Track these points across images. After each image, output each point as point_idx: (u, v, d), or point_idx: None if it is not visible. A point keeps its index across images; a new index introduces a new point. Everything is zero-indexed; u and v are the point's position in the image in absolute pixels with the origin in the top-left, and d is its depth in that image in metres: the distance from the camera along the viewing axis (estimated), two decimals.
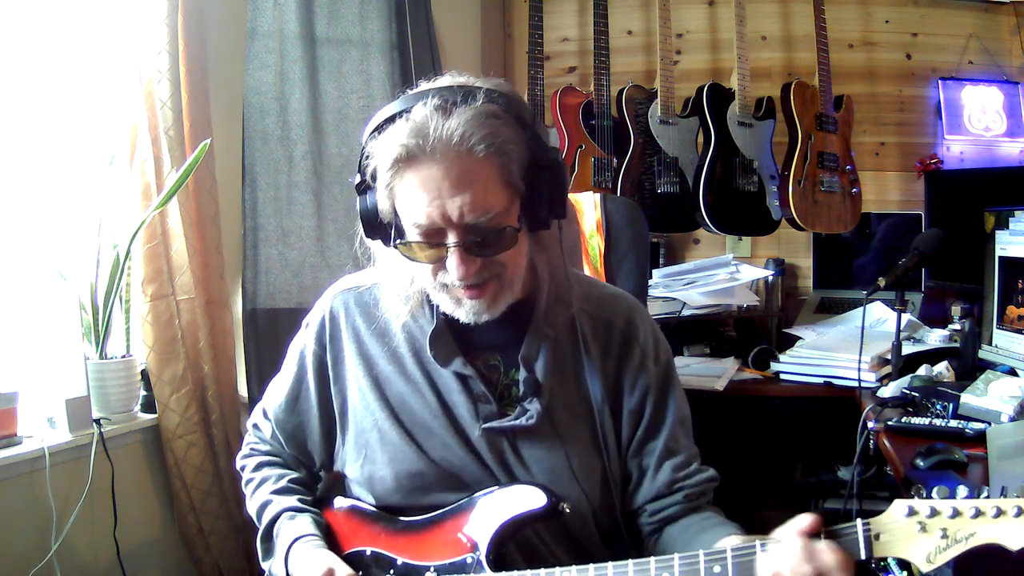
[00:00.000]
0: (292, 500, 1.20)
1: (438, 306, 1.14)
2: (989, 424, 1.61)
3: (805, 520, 0.91)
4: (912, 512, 0.87)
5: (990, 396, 1.68)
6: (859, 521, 0.88)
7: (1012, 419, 1.60)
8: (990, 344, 1.99)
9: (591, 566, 0.99)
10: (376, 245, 1.16)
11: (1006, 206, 1.95)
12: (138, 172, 1.90)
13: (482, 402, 1.13)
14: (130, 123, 1.90)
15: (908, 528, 0.87)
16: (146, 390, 1.97)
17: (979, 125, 2.92)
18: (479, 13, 3.10)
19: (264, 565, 1.19)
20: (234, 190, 2.19)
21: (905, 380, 1.96)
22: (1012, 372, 1.87)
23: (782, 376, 2.45)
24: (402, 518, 1.14)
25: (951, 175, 2.87)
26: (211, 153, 1.96)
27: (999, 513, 0.83)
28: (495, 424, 1.12)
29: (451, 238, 1.02)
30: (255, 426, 1.32)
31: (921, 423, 1.67)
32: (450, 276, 1.05)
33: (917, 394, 1.82)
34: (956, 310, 2.60)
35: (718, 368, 2.52)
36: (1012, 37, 2.91)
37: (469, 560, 1.06)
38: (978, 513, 0.84)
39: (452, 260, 1.03)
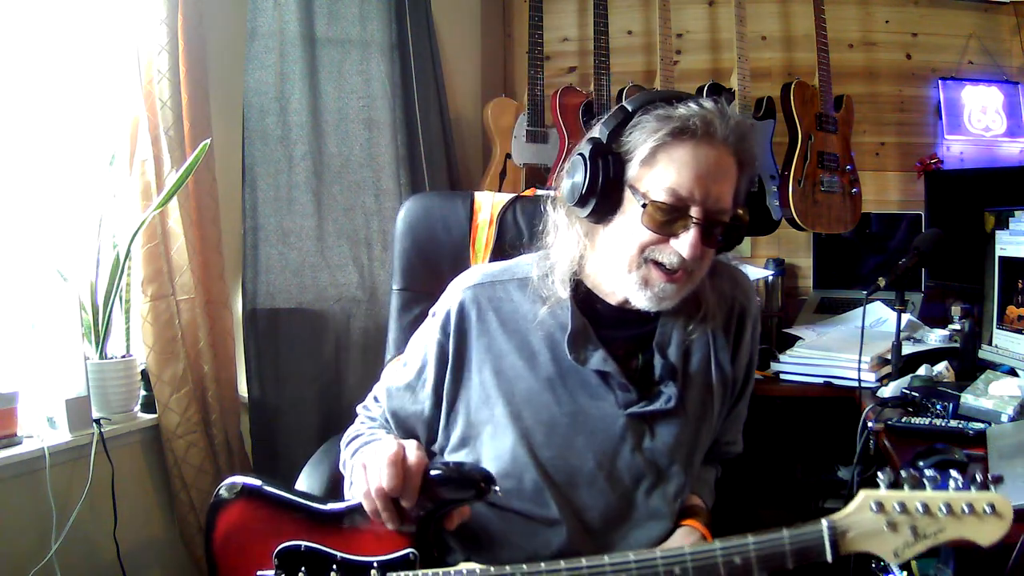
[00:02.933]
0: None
1: (577, 304, 1.19)
2: (989, 424, 1.61)
3: None
4: (880, 508, 0.84)
5: (990, 396, 1.69)
6: (824, 522, 0.86)
7: (1012, 419, 1.60)
8: (990, 344, 1.99)
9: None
10: (558, 224, 1.22)
11: (1006, 206, 1.95)
12: (138, 172, 1.90)
13: (622, 391, 1.17)
14: (130, 123, 1.90)
15: (876, 524, 0.84)
16: (146, 390, 1.97)
17: (979, 125, 2.92)
18: (479, 13, 3.10)
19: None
20: (234, 190, 2.19)
21: (905, 380, 1.96)
22: (1012, 372, 1.87)
23: (782, 376, 2.45)
24: (323, 506, 1.12)
25: (951, 175, 2.87)
26: (211, 153, 1.96)
27: (971, 510, 0.81)
28: (636, 410, 1.17)
29: (696, 215, 1.10)
30: (365, 407, 1.37)
31: (921, 423, 1.67)
32: (668, 253, 1.11)
33: (917, 394, 1.82)
34: (956, 310, 2.60)
35: None
36: (1012, 37, 2.91)
37: (412, 556, 1.06)
38: (950, 510, 0.81)
39: (690, 236, 1.10)
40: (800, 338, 2.54)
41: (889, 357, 2.10)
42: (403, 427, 1.28)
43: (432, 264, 1.70)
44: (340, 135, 2.37)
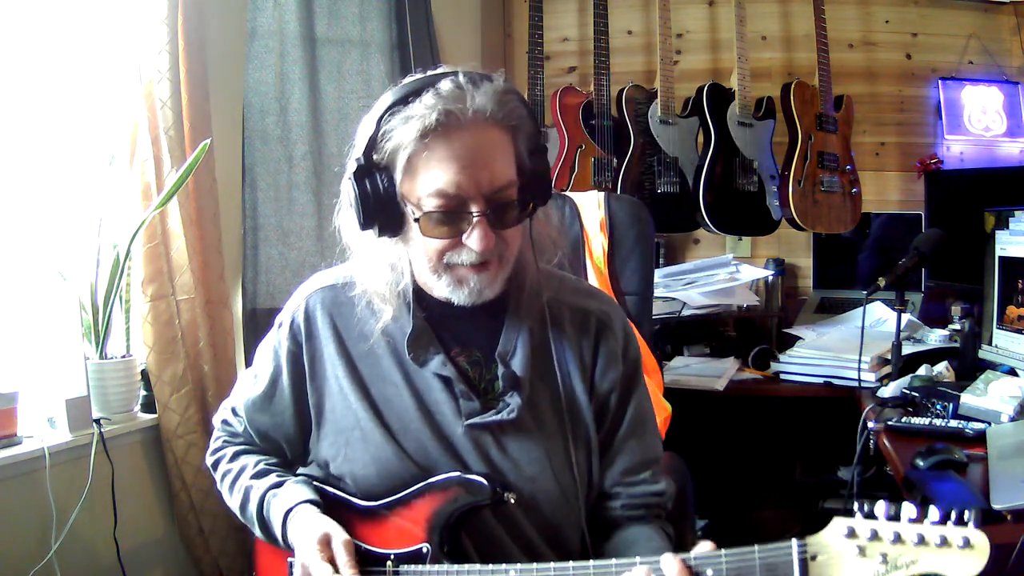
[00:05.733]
0: (272, 479, 1.20)
1: (416, 305, 1.14)
2: (989, 424, 1.61)
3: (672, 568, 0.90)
4: (852, 533, 0.83)
5: (990, 396, 1.69)
6: (794, 541, 0.85)
7: (1012, 419, 1.60)
8: (990, 344, 1.99)
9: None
10: (357, 241, 1.16)
11: (1006, 206, 1.95)
12: (138, 172, 1.90)
13: (464, 399, 1.13)
14: (130, 123, 1.90)
15: (847, 550, 0.83)
16: (146, 390, 1.97)
17: (979, 125, 2.92)
18: (479, 13, 3.10)
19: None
20: (234, 190, 2.18)
21: (905, 380, 1.96)
22: (1012, 372, 1.87)
23: (782, 376, 2.45)
24: (360, 503, 1.15)
25: (951, 175, 2.87)
26: (211, 153, 1.96)
27: (944, 543, 0.80)
28: (477, 420, 1.12)
29: (475, 208, 1.04)
30: (225, 422, 1.31)
31: (921, 423, 1.67)
32: (465, 252, 1.06)
33: (917, 394, 1.82)
34: (956, 310, 2.60)
35: (718, 368, 2.52)
36: (1012, 37, 2.91)
37: (425, 550, 1.08)
38: (922, 540, 0.80)
39: (477, 232, 1.04)
40: (800, 338, 2.55)
41: (889, 357, 2.11)
42: (268, 441, 1.26)
43: None
44: (340, 135, 2.37)
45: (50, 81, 1.85)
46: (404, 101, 1.03)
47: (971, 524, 0.80)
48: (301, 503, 1.13)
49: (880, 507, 0.83)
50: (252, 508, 1.20)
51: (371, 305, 1.16)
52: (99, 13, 1.89)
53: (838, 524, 0.84)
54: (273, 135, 2.24)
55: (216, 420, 1.34)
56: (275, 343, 1.23)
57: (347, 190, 1.09)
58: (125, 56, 1.88)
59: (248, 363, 2.18)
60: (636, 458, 1.19)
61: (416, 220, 1.05)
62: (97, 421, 1.80)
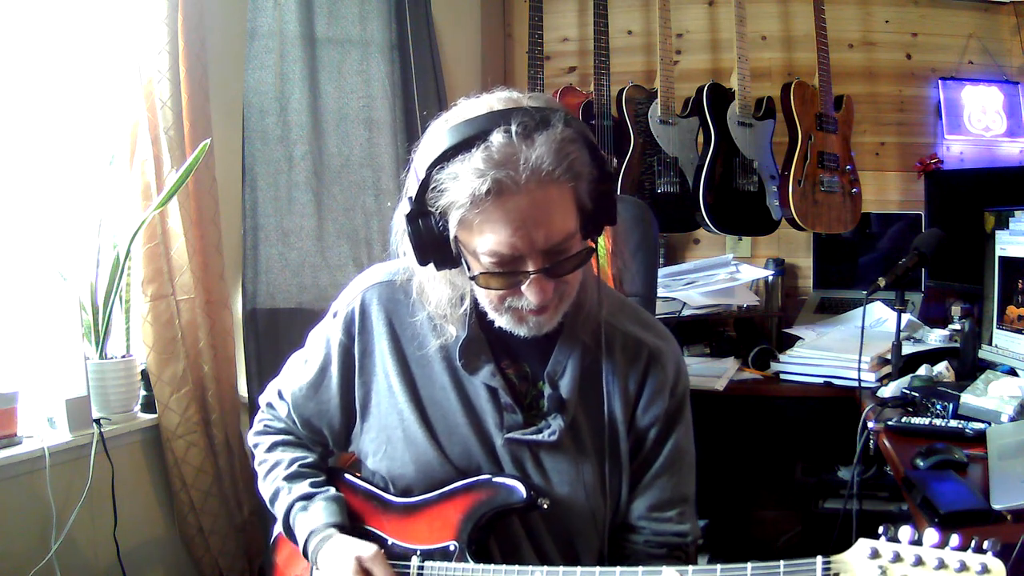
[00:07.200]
0: (304, 487, 1.21)
1: (473, 315, 1.13)
2: (989, 424, 1.61)
3: None
4: (875, 554, 0.87)
5: (990, 396, 1.69)
6: (819, 558, 0.88)
7: (1012, 419, 1.60)
8: (990, 344, 1.99)
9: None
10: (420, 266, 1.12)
11: (1006, 206, 1.95)
12: (138, 172, 1.90)
13: (508, 412, 1.14)
14: (130, 123, 1.90)
15: (869, 570, 0.87)
16: (146, 390, 1.97)
17: (979, 125, 2.92)
18: (479, 13, 3.10)
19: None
20: (234, 190, 2.19)
21: (905, 380, 1.96)
22: (1012, 372, 1.87)
23: (782, 376, 2.45)
24: (393, 498, 1.17)
25: (951, 175, 2.87)
26: (211, 153, 1.96)
27: (963, 568, 0.83)
28: (517, 435, 1.13)
29: (531, 266, 1.01)
30: (269, 404, 1.32)
31: (921, 423, 1.67)
32: (524, 299, 1.04)
33: (917, 394, 1.82)
34: (956, 310, 2.60)
35: (718, 368, 2.52)
36: (1012, 37, 2.91)
37: (452, 548, 1.10)
38: (942, 564, 0.84)
39: (532, 288, 1.02)
40: (800, 338, 2.55)
41: (889, 357, 2.11)
42: (310, 428, 1.26)
43: None
44: (340, 135, 2.37)
45: (50, 81, 1.85)
46: (455, 153, 0.97)
47: (990, 553, 0.83)
48: (323, 527, 1.16)
49: (904, 531, 0.87)
50: (279, 511, 1.22)
51: (432, 322, 1.16)
52: (99, 13, 1.89)
53: (862, 545, 0.88)
54: (273, 135, 2.24)
55: (262, 401, 1.34)
56: (328, 333, 1.23)
57: (402, 228, 1.05)
58: (125, 56, 1.88)
59: (248, 363, 2.20)
60: (665, 495, 1.18)
61: (472, 278, 1.04)
62: (97, 421, 1.81)
